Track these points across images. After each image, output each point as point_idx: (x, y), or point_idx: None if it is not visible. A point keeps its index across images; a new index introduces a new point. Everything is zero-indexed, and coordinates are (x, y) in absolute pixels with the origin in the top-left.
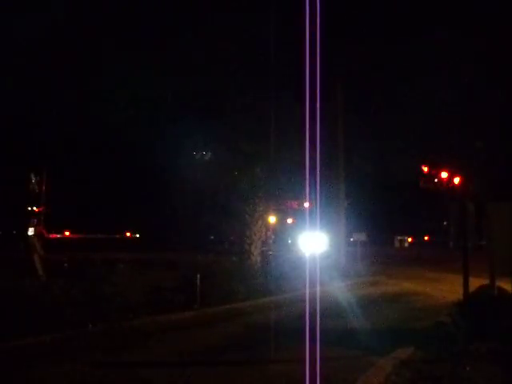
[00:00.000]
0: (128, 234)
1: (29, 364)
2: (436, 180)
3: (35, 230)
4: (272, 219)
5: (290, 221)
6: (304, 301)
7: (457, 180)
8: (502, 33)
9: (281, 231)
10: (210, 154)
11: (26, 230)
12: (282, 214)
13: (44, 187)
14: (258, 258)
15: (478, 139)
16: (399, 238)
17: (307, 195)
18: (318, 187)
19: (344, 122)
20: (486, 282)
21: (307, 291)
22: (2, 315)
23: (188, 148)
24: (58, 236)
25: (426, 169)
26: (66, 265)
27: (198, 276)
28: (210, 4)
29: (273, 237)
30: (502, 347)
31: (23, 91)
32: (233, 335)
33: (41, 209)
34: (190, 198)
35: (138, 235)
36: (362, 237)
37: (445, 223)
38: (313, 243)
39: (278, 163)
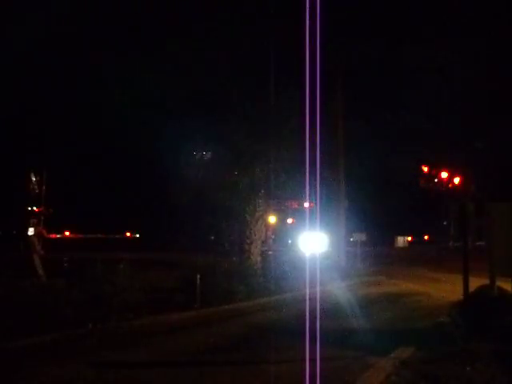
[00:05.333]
0: (128, 234)
1: (29, 364)
2: (436, 180)
3: (35, 230)
4: (272, 219)
5: (290, 221)
6: (304, 301)
7: (457, 180)
8: (502, 33)
9: (281, 231)
10: (209, 153)
11: (26, 230)
12: (282, 214)
13: (44, 187)
14: (258, 258)
15: (477, 139)
16: (399, 237)
17: (307, 195)
18: (318, 187)
19: (344, 121)
20: (486, 281)
21: (307, 291)
22: (2, 315)
23: (188, 148)
24: (58, 236)
25: (425, 169)
26: (65, 265)
27: (198, 276)
28: (209, 4)
29: (273, 237)
30: (502, 347)
31: (24, 92)
32: (233, 335)
33: (41, 209)
34: (189, 197)
35: (138, 235)
36: (361, 237)
37: (445, 223)
38: (313, 243)
39: (278, 163)
